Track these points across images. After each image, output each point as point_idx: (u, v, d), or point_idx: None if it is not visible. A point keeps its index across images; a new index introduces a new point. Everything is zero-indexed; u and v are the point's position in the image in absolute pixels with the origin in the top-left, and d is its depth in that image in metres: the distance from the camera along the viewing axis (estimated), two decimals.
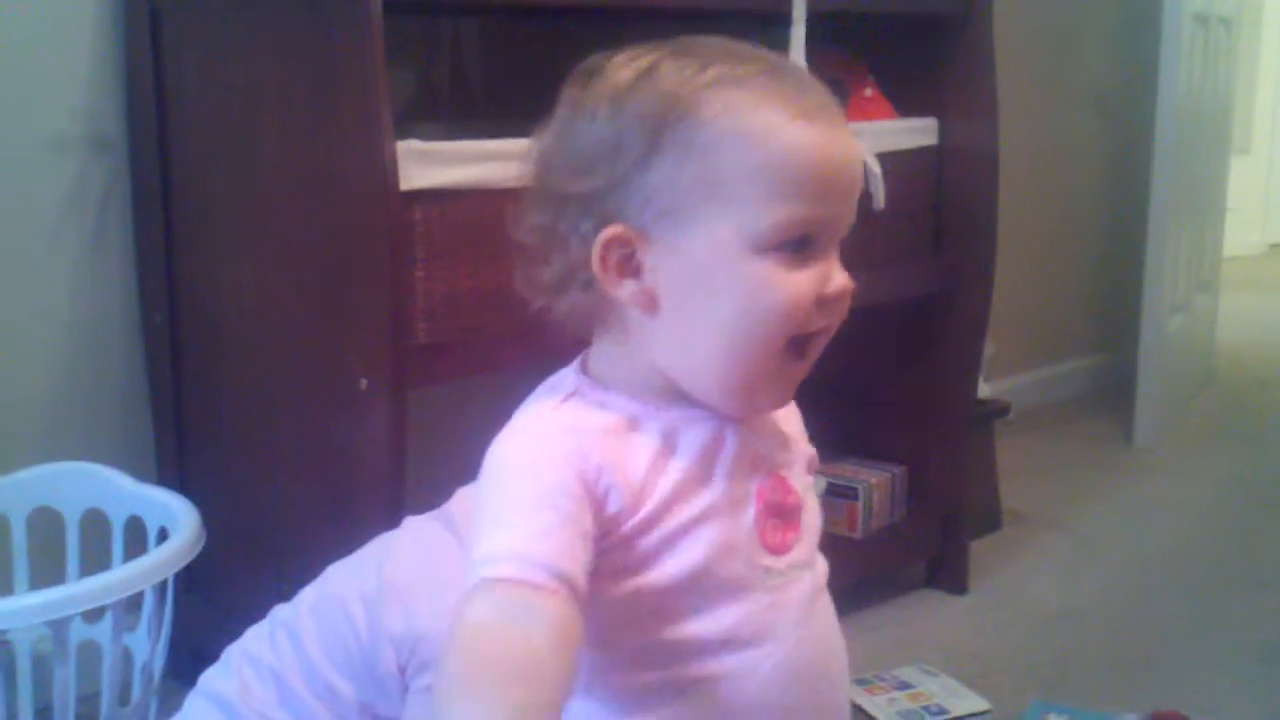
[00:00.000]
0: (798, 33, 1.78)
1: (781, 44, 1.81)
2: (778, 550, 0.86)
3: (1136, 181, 3.20)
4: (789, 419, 0.94)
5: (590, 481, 0.80)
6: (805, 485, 0.92)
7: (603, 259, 0.82)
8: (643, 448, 0.83)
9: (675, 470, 0.83)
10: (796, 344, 0.83)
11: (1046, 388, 3.43)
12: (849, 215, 0.84)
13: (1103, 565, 2.32)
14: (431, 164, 1.40)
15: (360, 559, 1.25)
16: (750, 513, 0.85)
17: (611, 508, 0.80)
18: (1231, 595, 2.18)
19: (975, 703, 1.74)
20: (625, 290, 0.83)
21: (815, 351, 0.85)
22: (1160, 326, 3.08)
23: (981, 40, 2.02)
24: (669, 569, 0.82)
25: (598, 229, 0.82)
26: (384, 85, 1.34)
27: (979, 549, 2.24)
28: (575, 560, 0.77)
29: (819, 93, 0.83)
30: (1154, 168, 3.02)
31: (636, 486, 0.81)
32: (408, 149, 1.37)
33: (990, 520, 2.46)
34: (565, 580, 0.76)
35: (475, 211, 1.43)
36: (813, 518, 0.91)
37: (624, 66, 0.84)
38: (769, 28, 1.82)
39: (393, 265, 1.37)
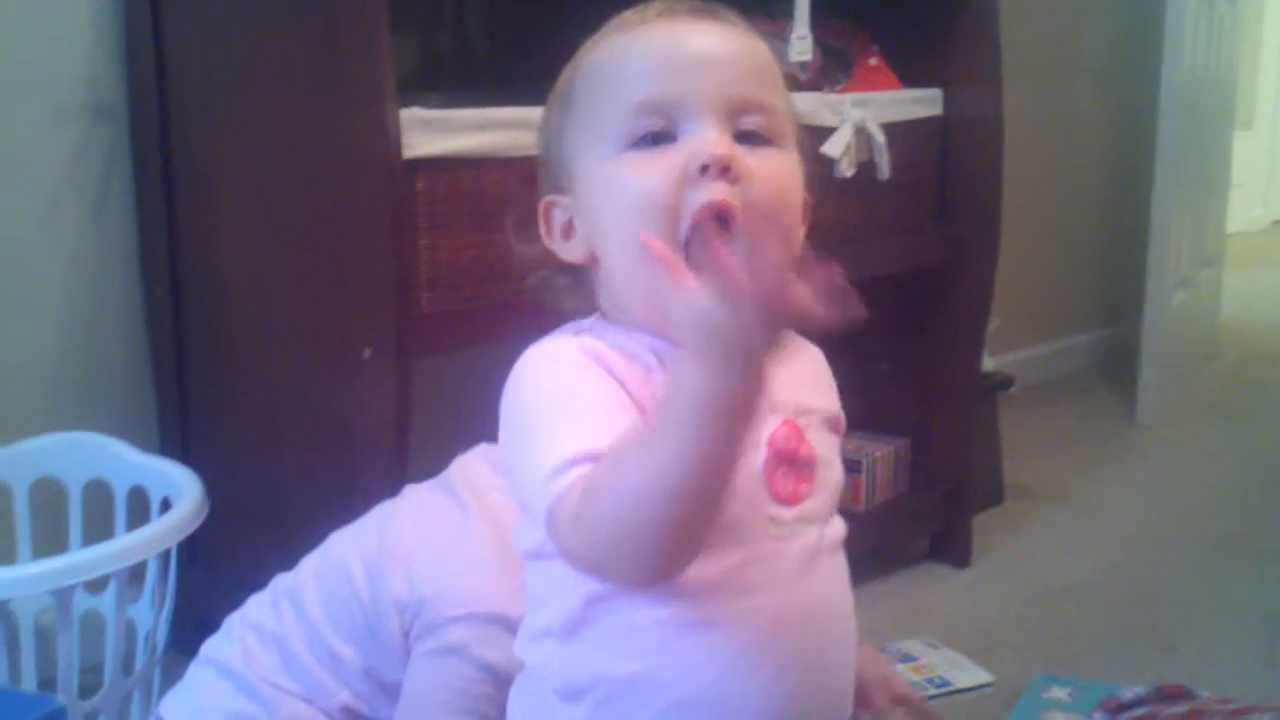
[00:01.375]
0: (802, 2, 1.77)
1: (787, 13, 1.80)
2: (787, 500, 0.85)
3: (1140, 156, 3.19)
4: (816, 374, 0.94)
5: (617, 384, 0.81)
6: (827, 443, 0.90)
7: (547, 227, 0.88)
8: (655, 381, 0.82)
9: None
10: (692, 237, 0.80)
11: (1050, 362, 3.43)
12: (713, 89, 0.82)
13: (1106, 539, 2.32)
14: (435, 132, 1.39)
15: (362, 526, 1.25)
16: (759, 457, 0.84)
17: (632, 420, 0.80)
18: (1235, 568, 2.18)
19: (979, 675, 1.74)
20: (572, 252, 0.87)
21: (714, 246, 0.73)
22: (1164, 301, 3.07)
23: (986, 11, 2.01)
24: None
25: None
26: (388, 52, 1.33)
27: (982, 522, 2.24)
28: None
29: (685, 6, 0.85)
30: (1158, 142, 3.01)
31: (642, 408, 0.81)
32: (411, 117, 1.36)
33: (993, 494, 2.46)
34: None
35: (478, 180, 1.43)
36: (832, 475, 0.90)
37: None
38: None
39: (396, 234, 1.36)
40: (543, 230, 0.88)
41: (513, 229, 0.91)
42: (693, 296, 0.70)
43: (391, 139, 1.34)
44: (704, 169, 0.80)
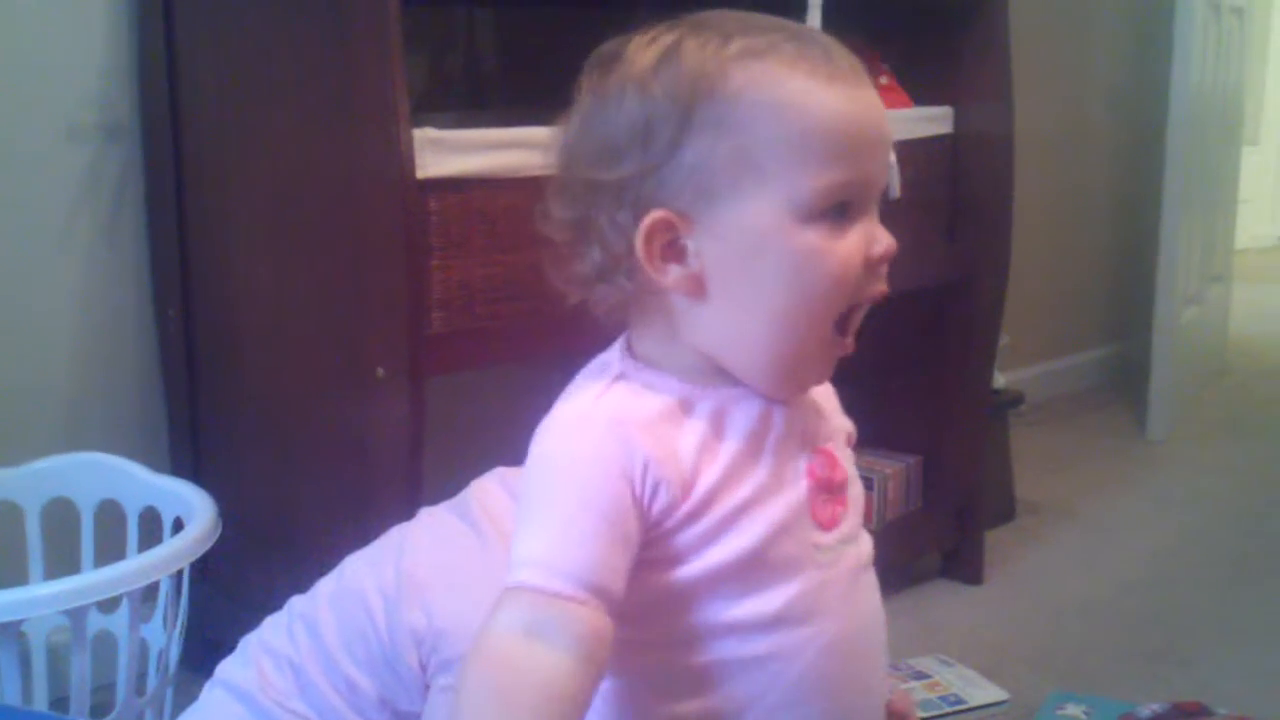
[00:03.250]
0: (813, 18, 1.77)
1: None
2: (827, 526, 0.85)
3: (1148, 172, 3.19)
4: (826, 394, 0.93)
5: (636, 479, 0.79)
6: (849, 460, 0.91)
7: (647, 246, 0.80)
8: (691, 433, 0.81)
9: (725, 453, 0.82)
10: (842, 318, 0.82)
11: (1060, 379, 3.42)
12: (883, 175, 0.83)
13: (1118, 556, 2.31)
14: (447, 152, 1.39)
15: (378, 551, 1.24)
16: (802, 489, 0.84)
17: (659, 503, 0.79)
18: (1249, 584, 2.17)
19: (993, 693, 1.73)
20: (670, 276, 0.81)
21: (854, 326, 0.84)
22: (1173, 318, 3.07)
23: (997, 28, 2.01)
24: (721, 554, 0.81)
25: (637, 217, 0.80)
26: (401, 72, 1.33)
27: (994, 539, 2.23)
28: (611, 568, 0.77)
29: (844, 55, 0.82)
30: (1166, 158, 3.01)
31: (686, 475, 0.80)
32: (423, 137, 1.36)
33: (1005, 511, 2.45)
34: (597, 591, 0.76)
35: (490, 200, 1.43)
36: (858, 491, 0.90)
37: (645, 48, 0.82)
38: (783, 13, 1.81)
39: (408, 254, 1.36)
40: (641, 245, 0.80)
41: (571, 239, 0.85)
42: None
43: (404, 159, 1.34)
44: (881, 260, 0.82)
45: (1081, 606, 2.07)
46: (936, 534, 2.17)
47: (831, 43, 0.83)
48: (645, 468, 0.79)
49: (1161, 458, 2.94)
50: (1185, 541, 2.39)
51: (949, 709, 1.69)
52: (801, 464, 0.85)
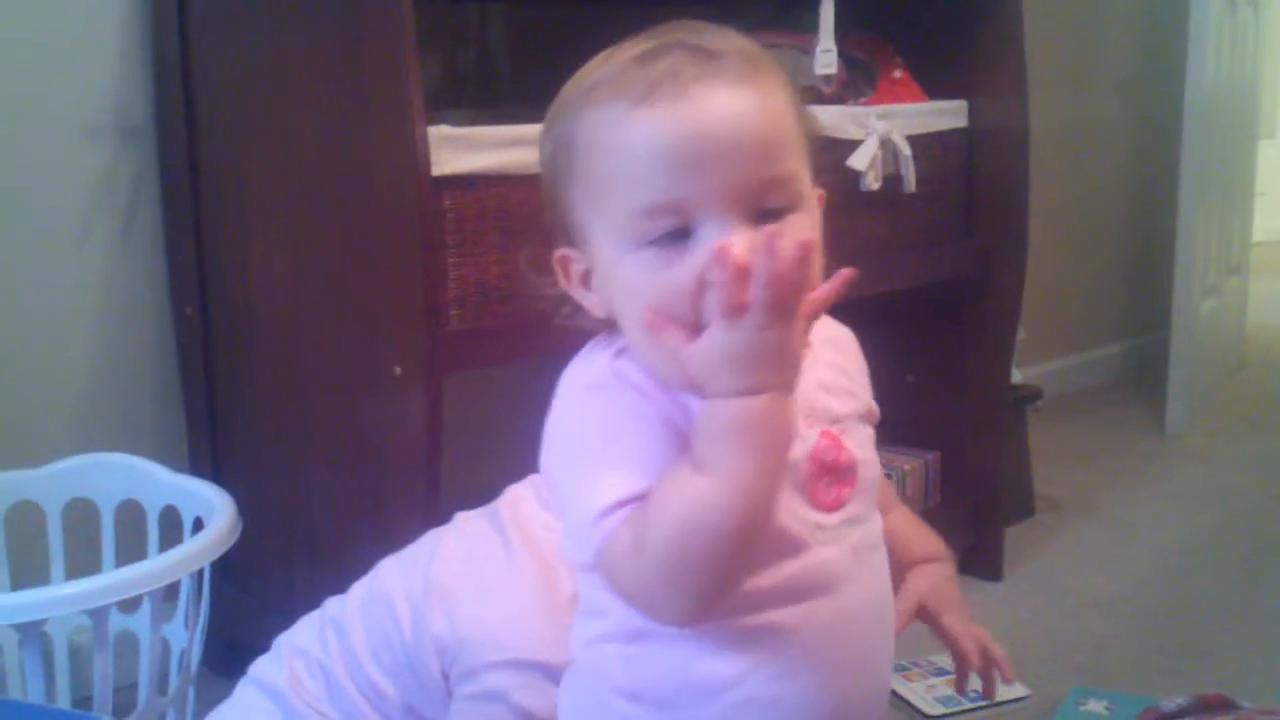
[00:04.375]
0: (826, 13, 1.77)
1: (811, 27, 1.79)
2: (830, 507, 0.87)
3: (1164, 165, 3.18)
4: (849, 373, 0.94)
5: (668, 413, 0.81)
6: (863, 438, 0.92)
7: (565, 278, 0.87)
8: (694, 403, 0.82)
9: None
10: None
11: (1078, 374, 3.41)
12: (729, 179, 0.77)
13: (1138, 550, 2.30)
14: (462, 149, 1.39)
15: (411, 555, 1.23)
16: (801, 472, 0.85)
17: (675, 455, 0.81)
18: (1269, 578, 2.16)
19: (1014, 688, 1.72)
20: (590, 301, 0.86)
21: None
22: (1191, 311, 3.05)
23: (1011, 21, 2.00)
24: None
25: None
26: (415, 70, 1.33)
27: (1012, 536, 2.23)
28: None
29: (673, 60, 0.79)
30: (1182, 152, 3.00)
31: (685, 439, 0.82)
32: (438, 134, 1.36)
33: (1024, 507, 2.44)
34: None
35: (504, 197, 1.42)
36: (871, 472, 0.91)
37: (565, 87, 0.87)
38: (797, 8, 1.81)
39: (424, 252, 1.36)
40: (561, 279, 0.87)
41: (528, 265, 0.90)
42: (701, 344, 0.75)
43: (419, 156, 1.34)
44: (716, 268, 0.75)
45: (1101, 602, 2.06)
46: (955, 530, 2.16)
47: (676, 51, 0.80)
48: (669, 420, 0.81)
49: (1180, 452, 2.93)
50: (1205, 536, 2.38)
51: (969, 705, 1.68)
52: (806, 446, 0.86)
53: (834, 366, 0.93)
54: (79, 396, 1.73)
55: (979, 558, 2.15)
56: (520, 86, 2.03)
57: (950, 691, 1.70)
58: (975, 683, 1.73)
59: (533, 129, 1.41)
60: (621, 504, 0.78)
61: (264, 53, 1.57)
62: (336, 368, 1.54)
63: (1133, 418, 3.20)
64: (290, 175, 1.56)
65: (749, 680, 0.84)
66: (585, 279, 0.86)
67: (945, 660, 1.78)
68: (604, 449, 0.81)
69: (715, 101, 0.78)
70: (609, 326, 0.87)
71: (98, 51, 1.69)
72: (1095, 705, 1.67)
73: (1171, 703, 1.58)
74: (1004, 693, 1.71)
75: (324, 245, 1.52)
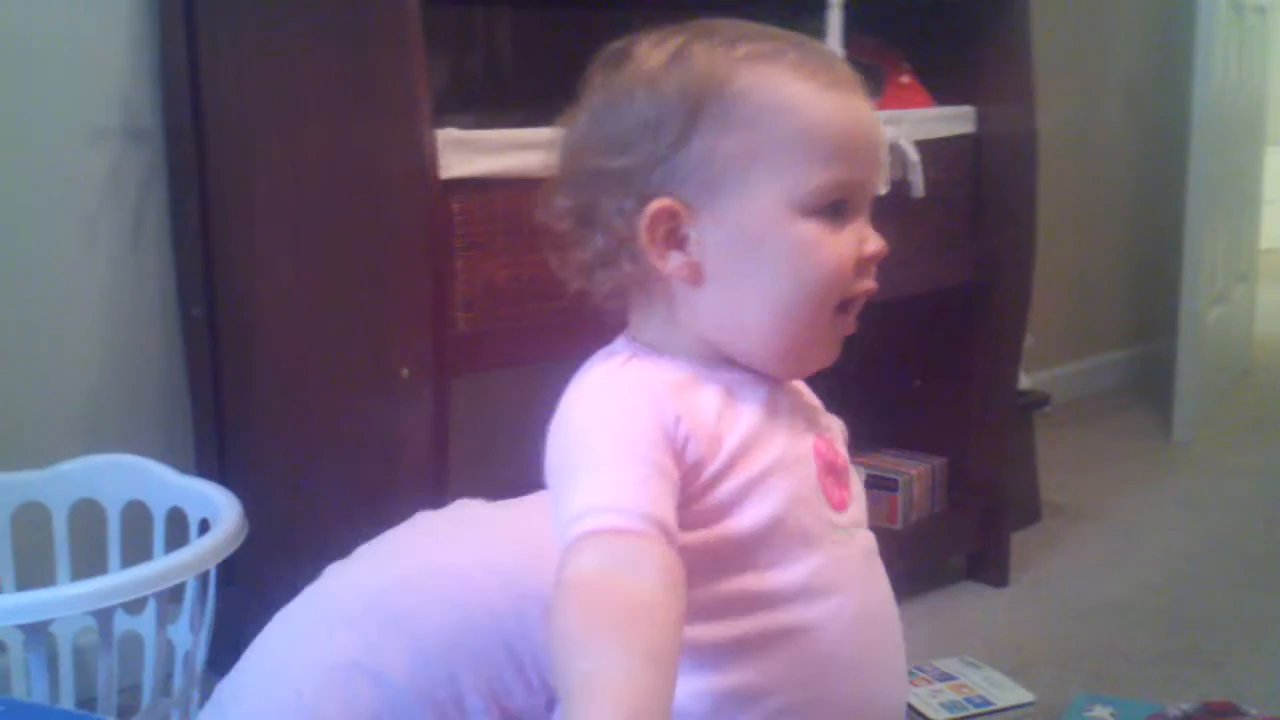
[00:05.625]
0: (834, 19, 1.77)
1: (818, 31, 1.79)
2: (838, 506, 0.89)
3: (1172, 172, 3.17)
4: (811, 393, 0.97)
5: (669, 430, 0.81)
6: (846, 453, 0.95)
7: (650, 232, 0.84)
8: (710, 398, 0.85)
9: (743, 422, 0.85)
10: (842, 304, 0.86)
11: (1085, 380, 3.41)
12: (877, 181, 0.88)
13: (1144, 557, 2.30)
14: (470, 153, 1.39)
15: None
16: (812, 468, 0.88)
17: (690, 456, 0.82)
18: (1275, 584, 2.16)
19: (1019, 694, 1.72)
20: (671, 263, 0.85)
21: (855, 311, 0.88)
22: (1199, 317, 3.05)
23: (1018, 26, 2.00)
24: (747, 518, 0.83)
25: (642, 204, 0.84)
26: (423, 73, 1.34)
27: (1019, 541, 2.22)
28: (667, 507, 0.78)
29: (844, 66, 0.88)
30: (1190, 158, 3.00)
31: (712, 433, 0.83)
32: (446, 138, 1.36)
33: (1030, 512, 2.44)
34: (663, 526, 0.76)
35: (512, 201, 1.43)
36: (858, 484, 0.94)
37: (655, 48, 0.87)
38: (804, 14, 1.81)
39: (432, 254, 1.37)
40: (644, 231, 0.84)
41: (573, 226, 0.88)
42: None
43: (428, 159, 1.34)
44: (872, 259, 0.87)
45: (1107, 608, 2.06)
46: (962, 535, 2.16)
47: (833, 54, 0.89)
48: (677, 421, 0.81)
49: (1187, 459, 2.93)
50: (1211, 542, 2.37)
51: (975, 710, 1.68)
52: (809, 443, 0.89)
53: (805, 380, 0.96)
54: (85, 397, 1.73)
55: (985, 563, 2.15)
56: (528, 90, 2.03)
57: (955, 697, 1.70)
58: (979, 689, 1.73)
59: (542, 132, 1.42)
60: (593, 511, 0.76)
61: (272, 56, 1.58)
62: (343, 370, 1.54)
63: (1139, 424, 3.20)
64: (298, 178, 1.56)
65: (786, 687, 0.84)
66: (671, 237, 0.84)
67: (949, 665, 1.78)
68: (594, 454, 0.80)
69: (872, 110, 0.88)
70: (636, 298, 0.88)
71: (106, 55, 1.70)
72: (1101, 711, 1.66)
73: (1178, 709, 1.58)
74: (1009, 699, 1.70)
75: (331, 248, 1.52)
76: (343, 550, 1.33)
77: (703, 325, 0.87)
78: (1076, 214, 3.24)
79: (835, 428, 0.95)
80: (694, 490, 0.82)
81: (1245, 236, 3.62)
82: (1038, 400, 2.53)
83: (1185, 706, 1.58)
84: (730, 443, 0.83)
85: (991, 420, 2.14)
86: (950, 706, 1.69)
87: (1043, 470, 2.50)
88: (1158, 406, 3.22)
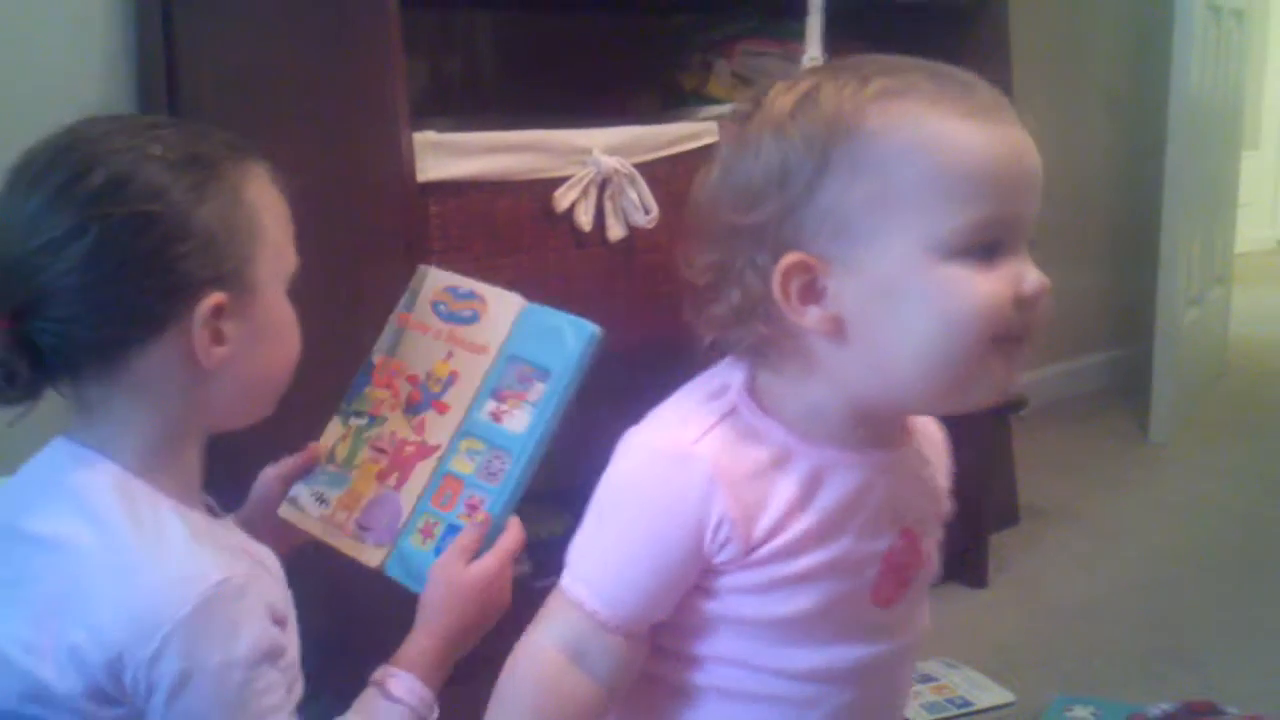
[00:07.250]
0: (813, 22, 1.77)
1: (798, 35, 1.79)
2: (884, 604, 0.87)
3: (1148, 176, 3.18)
4: (943, 470, 0.95)
5: (709, 532, 0.81)
6: (935, 542, 0.92)
7: (784, 287, 0.80)
8: (785, 490, 0.82)
9: (812, 516, 0.83)
10: (1000, 342, 0.80)
11: (1062, 382, 3.41)
12: (1032, 211, 0.82)
13: (1122, 558, 2.31)
14: (448, 155, 1.39)
15: None
16: (874, 570, 0.86)
17: (725, 554, 0.82)
18: (1252, 585, 2.17)
19: (999, 695, 1.72)
20: (809, 317, 0.81)
21: (1021, 352, 0.82)
22: (1175, 320, 3.06)
23: (997, 32, 2.01)
24: (780, 607, 0.84)
25: (775, 259, 0.80)
26: (402, 77, 1.34)
27: (997, 543, 2.23)
28: (661, 607, 0.84)
29: (985, 90, 0.81)
30: (1167, 162, 3.01)
31: (764, 530, 0.82)
32: (424, 141, 1.36)
33: (1009, 514, 2.45)
34: (641, 624, 0.83)
35: (490, 203, 1.42)
36: (928, 575, 0.92)
37: (783, 94, 0.83)
38: (785, 18, 1.81)
39: (410, 257, 1.36)
40: (778, 287, 0.80)
41: (711, 282, 0.85)
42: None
43: (405, 162, 1.34)
44: (1033, 298, 0.81)
45: (1086, 609, 2.07)
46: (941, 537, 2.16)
47: (974, 79, 0.82)
48: (719, 524, 0.81)
49: (1164, 460, 2.94)
50: (1189, 543, 2.39)
51: (956, 711, 1.68)
52: (883, 545, 0.86)
53: (929, 463, 0.93)
54: (62, 405, 1.71)
55: (964, 565, 2.15)
56: (506, 94, 2.03)
57: (935, 698, 1.71)
58: (959, 690, 1.73)
59: (519, 135, 1.42)
60: (585, 606, 0.84)
61: (250, 60, 1.57)
62: (322, 372, 1.53)
63: (1117, 426, 3.21)
64: (275, 180, 1.55)
65: None
66: (807, 291, 0.80)
67: (929, 667, 1.79)
68: (622, 533, 0.85)
69: (1023, 133, 0.82)
70: (772, 354, 0.84)
71: (82, 55, 1.69)
72: (1081, 712, 1.67)
73: (1157, 709, 1.59)
74: (989, 699, 1.71)
75: (308, 250, 1.51)
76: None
77: (848, 379, 0.82)
78: (1054, 217, 3.22)
79: (931, 516, 0.91)
80: (728, 571, 0.83)
81: (1221, 239, 3.64)
82: (1015, 403, 2.53)
83: (1165, 706, 1.59)
84: (786, 536, 0.82)
85: (969, 423, 2.13)
86: (931, 708, 1.69)
87: (1021, 472, 2.51)
88: (1135, 408, 3.23)
